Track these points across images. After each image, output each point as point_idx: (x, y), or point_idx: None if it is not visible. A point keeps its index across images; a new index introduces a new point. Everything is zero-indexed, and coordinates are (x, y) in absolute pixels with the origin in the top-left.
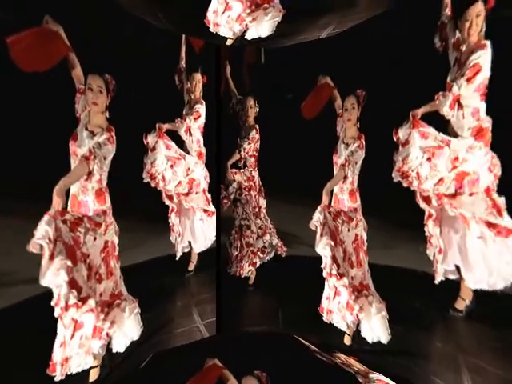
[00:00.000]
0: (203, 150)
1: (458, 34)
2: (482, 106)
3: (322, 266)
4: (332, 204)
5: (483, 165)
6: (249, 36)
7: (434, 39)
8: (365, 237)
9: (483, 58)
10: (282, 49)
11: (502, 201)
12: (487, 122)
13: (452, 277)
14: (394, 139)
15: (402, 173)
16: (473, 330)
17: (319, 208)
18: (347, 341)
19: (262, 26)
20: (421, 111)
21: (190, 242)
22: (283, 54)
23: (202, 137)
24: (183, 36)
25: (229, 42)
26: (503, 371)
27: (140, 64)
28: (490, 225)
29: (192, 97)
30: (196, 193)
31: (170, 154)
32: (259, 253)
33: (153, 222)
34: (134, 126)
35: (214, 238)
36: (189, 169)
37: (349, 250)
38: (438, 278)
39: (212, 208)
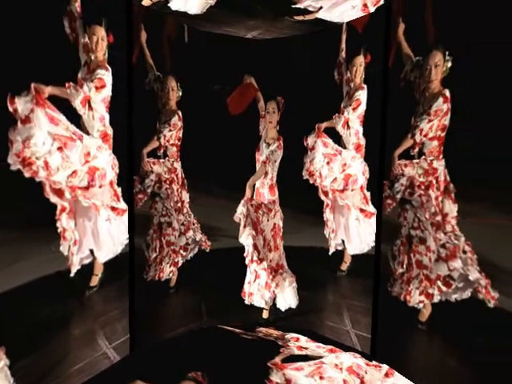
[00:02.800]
0: (109, 131)
1: (348, 74)
2: (361, 129)
3: (245, 254)
4: (254, 197)
5: (360, 170)
6: (173, 5)
7: (334, 73)
8: (281, 224)
9: (362, 96)
10: (207, 35)
11: (368, 194)
12: (362, 141)
13: (339, 248)
14: (304, 144)
15: (309, 172)
16: (350, 282)
17: (242, 201)
18: (265, 315)
19: (193, 2)
20: (323, 125)
21: (92, 251)
22: (209, 39)
23: (108, 113)
24: None
25: (145, 2)
26: (367, 304)
27: None
28: (362, 210)
29: (93, 58)
30: (100, 186)
31: None
32: (181, 251)
33: None
34: None
35: (126, 242)
36: (88, 153)
37: (268, 237)
38: (331, 250)
39: (122, 205)
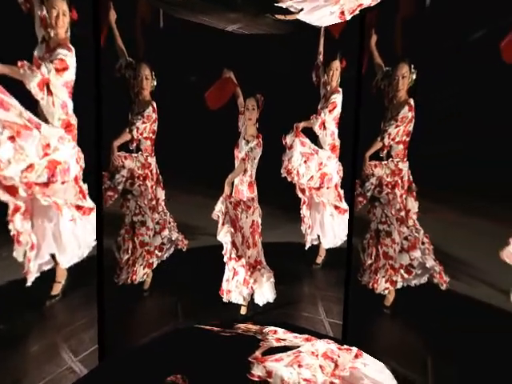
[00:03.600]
0: (73, 120)
1: (325, 77)
2: (336, 131)
3: (223, 252)
4: (233, 194)
5: (335, 169)
6: None
7: (312, 75)
8: (260, 221)
9: (338, 99)
10: (185, 22)
11: (342, 192)
12: (337, 142)
13: (315, 243)
14: (283, 143)
15: (287, 170)
16: (325, 275)
17: (221, 198)
18: (243, 311)
19: None
20: (301, 125)
21: (53, 256)
22: (187, 27)
23: (72, 100)
24: None
25: None
26: (339, 294)
27: None
28: (336, 207)
29: (52, 34)
30: (62, 182)
31: None
32: (156, 251)
33: None
34: None
35: (94, 243)
36: (48, 145)
37: (246, 234)
38: (308, 245)
39: (89, 203)
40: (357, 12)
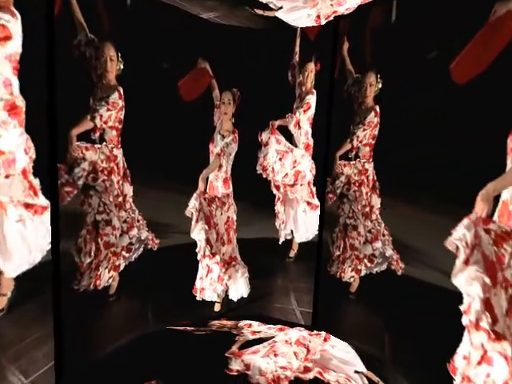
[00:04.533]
0: (20, 102)
1: (301, 77)
2: (310, 130)
3: (197, 249)
4: (207, 190)
5: (308, 167)
6: None
7: (288, 74)
8: (235, 218)
9: (312, 100)
10: (155, 3)
11: (314, 189)
12: (311, 141)
13: (288, 237)
14: (259, 140)
15: (262, 167)
16: (297, 267)
17: (195, 194)
18: (217, 308)
19: None
20: (277, 123)
21: None
22: (159, 8)
23: (18, 78)
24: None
25: None
26: (310, 284)
27: None
28: (308, 203)
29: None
30: (7, 176)
31: None
32: (124, 252)
33: None
34: None
35: (48, 247)
36: None
37: (221, 231)
38: (281, 240)
39: (41, 201)
40: (331, 18)
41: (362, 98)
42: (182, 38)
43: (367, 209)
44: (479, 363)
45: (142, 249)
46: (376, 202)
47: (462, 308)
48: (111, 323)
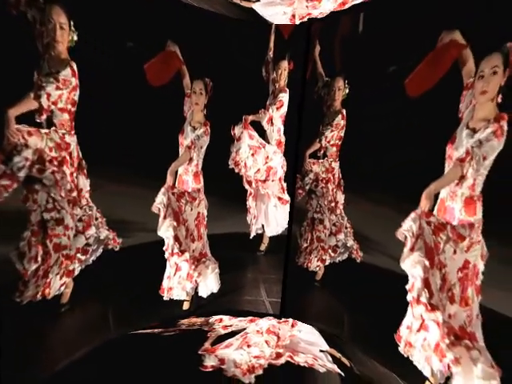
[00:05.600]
0: None
1: (274, 74)
2: (282, 128)
3: (164, 247)
4: (176, 185)
5: (280, 163)
6: None
7: (262, 69)
8: (205, 213)
9: (285, 98)
10: None
11: (285, 185)
12: (283, 138)
13: (259, 232)
14: (231, 134)
15: (235, 162)
16: (267, 260)
17: (163, 189)
18: (186, 306)
19: None
20: (250, 118)
21: None
22: None
23: None
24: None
25: None
26: (279, 275)
27: None
28: (279, 198)
29: None
30: None
31: None
32: (79, 255)
33: None
34: None
35: None
36: None
37: (191, 227)
38: (252, 234)
39: None
40: (305, 19)
41: (331, 101)
42: (150, 16)
43: (332, 204)
44: (418, 330)
45: (101, 250)
46: (340, 197)
47: (407, 287)
48: (63, 336)
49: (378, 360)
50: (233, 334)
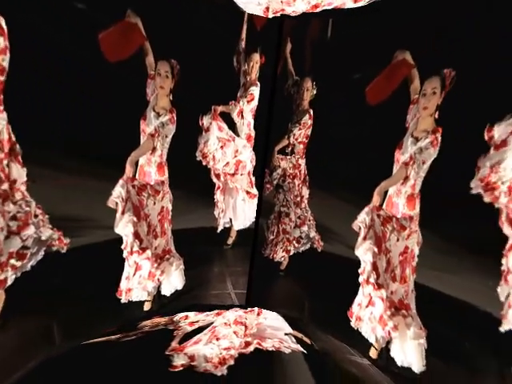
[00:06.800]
0: None
1: (246, 66)
2: (252, 122)
3: (123, 246)
4: (137, 176)
5: (249, 157)
6: None
7: (234, 59)
8: (170, 208)
9: (256, 92)
10: None
11: (253, 179)
12: (253, 132)
13: (227, 225)
14: (200, 124)
15: (203, 154)
16: (234, 253)
17: (121, 181)
18: (147, 307)
19: None
20: (220, 108)
21: None
22: None
23: None
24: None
25: None
26: (246, 268)
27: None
28: (247, 192)
29: None
30: None
31: None
32: (13, 260)
33: None
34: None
35: None
36: None
37: (153, 222)
38: (220, 228)
39: None
40: (278, 15)
41: (300, 100)
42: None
43: (298, 198)
44: (367, 306)
45: (42, 252)
46: (305, 192)
47: (360, 271)
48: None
49: (334, 336)
50: (200, 329)
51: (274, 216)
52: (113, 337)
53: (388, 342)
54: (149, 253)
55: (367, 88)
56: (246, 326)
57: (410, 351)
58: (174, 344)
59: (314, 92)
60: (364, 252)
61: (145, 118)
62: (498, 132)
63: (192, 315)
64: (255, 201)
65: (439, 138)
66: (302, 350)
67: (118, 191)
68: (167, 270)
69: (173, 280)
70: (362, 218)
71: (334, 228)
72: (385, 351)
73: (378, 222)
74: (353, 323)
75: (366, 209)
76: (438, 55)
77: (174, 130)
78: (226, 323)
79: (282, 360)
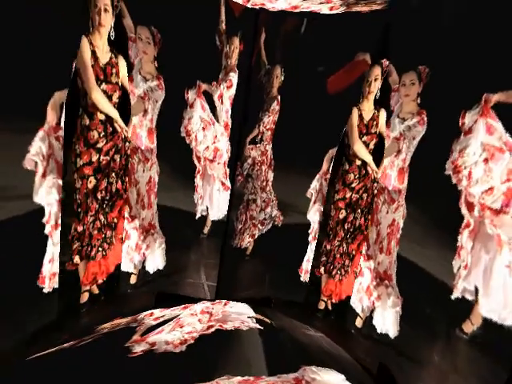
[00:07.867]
0: None
1: (228, 48)
2: (230, 110)
3: (44, 219)
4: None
5: (225, 147)
6: None
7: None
8: (157, 180)
9: (234, 79)
10: None
11: (228, 171)
12: (230, 121)
13: (204, 214)
14: (185, 98)
15: (186, 131)
16: (208, 244)
17: (41, 132)
18: (133, 280)
19: None
20: (204, 86)
21: None
22: None
23: None
24: None
25: None
26: (217, 261)
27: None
28: (222, 183)
29: None
30: None
31: None
32: None
33: None
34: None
35: None
36: None
37: (142, 191)
38: (198, 215)
39: None
40: (257, 7)
41: (270, 87)
42: None
43: (264, 183)
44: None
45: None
46: (270, 176)
47: (309, 231)
48: None
49: (295, 318)
50: (165, 322)
51: (242, 206)
52: (65, 344)
53: (372, 311)
54: (137, 222)
55: (328, 79)
56: (211, 314)
57: (388, 319)
58: (136, 337)
59: (282, 78)
60: (314, 213)
61: (131, 79)
62: (468, 119)
63: (157, 312)
64: (228, 193)
65: (425, 119)
66: (258, 326)
67: (37, 146)
68: (152, 246)
69: (156, 257)
70: (314, 185)
71: (294, 202)
72: (368, 319)
73: (325, 185)
74: (302, 277)
75: (317, 176)
76: (412, 51)
77: (163, 96)
78: (192, 314)
79: (238, 336)
